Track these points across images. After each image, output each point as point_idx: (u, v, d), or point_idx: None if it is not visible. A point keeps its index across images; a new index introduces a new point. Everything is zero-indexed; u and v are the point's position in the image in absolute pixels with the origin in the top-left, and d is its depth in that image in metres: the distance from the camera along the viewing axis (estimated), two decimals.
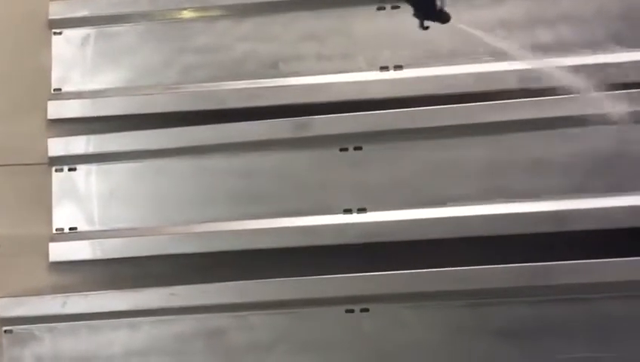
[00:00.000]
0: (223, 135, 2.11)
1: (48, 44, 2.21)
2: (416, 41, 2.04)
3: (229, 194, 2.11)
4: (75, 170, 2.16)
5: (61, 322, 2.08)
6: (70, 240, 2.14)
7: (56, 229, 2.15)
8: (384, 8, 2.12)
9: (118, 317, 2.07)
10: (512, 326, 1.97)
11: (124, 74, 2.18)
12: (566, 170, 2.01)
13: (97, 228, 2.14)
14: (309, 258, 2.06)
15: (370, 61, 2.11)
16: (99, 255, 2.12)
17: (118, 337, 2.07)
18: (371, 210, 2.06)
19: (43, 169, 2.17)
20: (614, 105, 1.95)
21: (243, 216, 2.09)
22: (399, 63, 2.10)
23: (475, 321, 1.98)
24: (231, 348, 2.05)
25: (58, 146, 2.17)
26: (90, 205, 2.15)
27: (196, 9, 2.18)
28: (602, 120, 1.93)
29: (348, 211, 2.07)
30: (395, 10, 2.11)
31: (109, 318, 2.07)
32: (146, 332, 2.07)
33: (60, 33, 2.22)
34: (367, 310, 2.02)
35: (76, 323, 2.08)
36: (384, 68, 2.11)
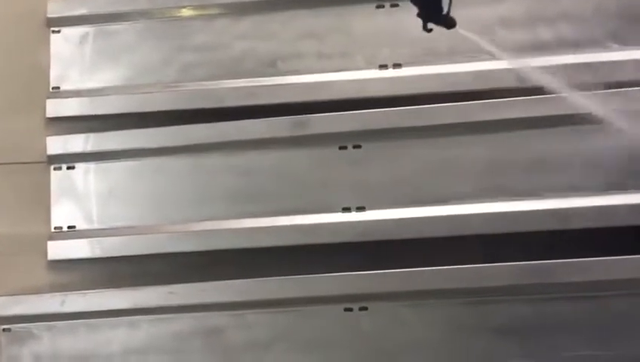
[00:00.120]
0: (222, 133, 2.13)
1: (47, 43, 2.23)
2: (416, 40, 2.05)
3: (228, 192, 2.12)
4: (73, 168, 2.18)
5: (60, 321, 2.09)
6: (69, 239, 2.15)
7: (55, 228, 2.16)
8: (383, 6, 2.13)
9: (117, 316, 2.08)
10: (512, 325, 1.98)
11: (122, 72, 2.19)
12: (566, 168, 2.03)
13: (96, 226, 2.15)
14: (308, 256, 2.07)
15: (369, 59, 2.12)
16: (97, 253, 2.14)
17: (117, 336, 2.08)
18: (370, 209, 2.07)
19: (41, 167, 2.19)
20: (611, 103, 1.96)
21: (242, 215, 2.11)
22: (398, 62, 2.11)
23: (475, 319, 2.00)
24: (229, 347, 2.06)
25: (57, 145, 2.18)
26: (88, 203, 2.16)
27: (195, 7, 2.20)
28: (600, 118, 1.94)
29: (347, 210, 2.08)
30: (394, 9, 2.12)
31: (107, 317, 2.08)
32: (144, 330, 2.08)
33: (59, 31, 2.23)
34: (365, 308, 2.03)
35: (75, 321, 2.09)
36: (383, 66, 2.12)
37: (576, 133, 2.01)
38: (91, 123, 2.20)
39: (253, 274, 2.06)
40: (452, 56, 2.06)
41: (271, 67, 2.15)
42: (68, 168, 2.17)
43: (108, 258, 2.13)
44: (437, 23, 1.69)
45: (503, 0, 2.09)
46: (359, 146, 2.10)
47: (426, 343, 2.01)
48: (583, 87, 1.99)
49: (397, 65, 2.11)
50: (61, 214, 2.16)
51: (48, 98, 2.20)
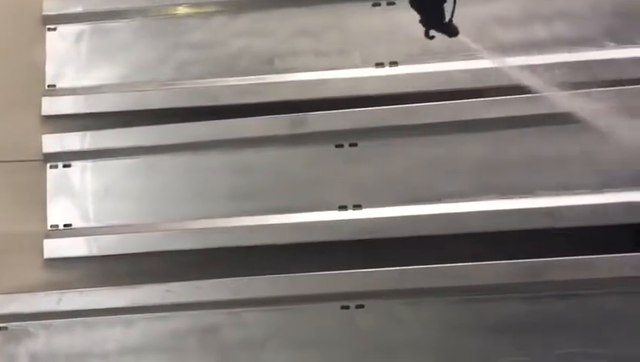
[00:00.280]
0: (218, 131, 2.14)
1: (42, 40, 2.24)
2: (412, 38, 2.07)
3: (224, 190, 2.14)
4: (69, 166, 2.19)
5: (56, 319, 2.11)
6: (65, 237, 2.17)
7: (51, 226, 2.18)
8: (379, 5, 2.16)
9: (114, 314, 2.10)
10: (507, 322, 2.01)
11: (118, 70, 2.21)
12: (560, 167, 2.05)
13: (92, 224, 2.17)
14: (305, 254, 2.10)
15: (366, 57, 2.14)
16: (94, 251, 2.16)
17: (114, 334, 2.10)
18: (366, 207, 2.10)
19: (37, 165, 2.20)
20: (605, 101, 1.99)
21: (238, 213, 2.13)
22: (395, 60, 2.13)
23: (470, 317, 2.02)
24: (226, 345, 2.08)
25: (52, 142, 2.20)
26: (84, 201, 2.18)
27: (191, 5, 2.22)
28: (594, 116, 1.96)
29: (343, 208, 2.11)
30: (390, 7, 2.15)
31: (104, 315, 2.10)
32: (141, 328, 2.10)
33: (55, 29, 2.25)
34: (362, 306, 2.05)
35: (71, 319, 2.11)
36: (380, 64, 2.14)
37: (570, 131, 2.03)
38: (87, 121, 2.21)
39: (249, 272, 2.08)
40: (448, 54, 2.09)
41: (267, 65, 2.17)
42: (64, 166, 2.19)
43: (104, 256, 2.15)
44: (439, 30, 1.70)
45: None
46: (355, 144, 2.12)
47: (422, 341, 2.03)
48: (579, 85, 2.02)
49: (393, 64, 2.14)
50: (57, 212, 2.18)
51: (44, 96, 2.22)
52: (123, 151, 2.17)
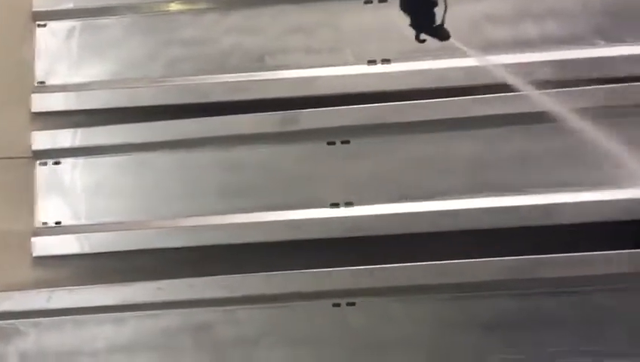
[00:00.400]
0: (210, 129, 2.15)
1: (32, 37, 2.24)
2: (404, 35, 2.06)
3: (216, 188, 2.15)
4: (59, 163, 2.20)
5: (46, 317, 2.11)
6: (54, 235, 2.18)
7: (41, 223, 2.18)
8: (371, 2, 2.17)
9: (104, 312, 2.11)
10: (499, 319, 2.03)
11: (109, 67, 2.21)
12: (551, 164, 2.07)
13: (82, 222, 2.18)
14: (297, 252, 2.11)
15: (358, 55, 2.16)
16: (84, 249, 2.16)
17: (104, 332, 2.11)
18: (358, 204, 2.11)
19: (27, 162, 2.20)
20: (595, 99, 2.01)
21: (230, 210, 2.14)
22: (387, 57, 2.15)
23: (462, 315, 2.04)
24: (218, 343, 2.09)
25: (42, 139, 2.20)
26: (74, 199, 2.18)
27: (183, 2, 2.22)
28: (583, 114, 1.98)
29: (335, 205, 2.12)
30: (382, 4, 2.16)
31: (94, 313, 2.11)
32: (132, 326, 2.11)
33: (45, 25, 2.25)
34: (353, 304, 2.07)
35: (61, 318, 2.11)
36: (372, 62, 2.15)
37: (561, 129, 2.04)
38: (77, 118, 2.22)
39: (241, 269, 2.10)
40: (441, 52, 2.10)
41: (259, 62, 2.18)
42: (54, 163, 2.19)
43: (95, 254, 2.16)
44: (430, 34, 1.72)
45: None
46: (347, 142, 2.13)
47: (413, 338, 2.05)
48: (569, 83, 2.04)
49: (386, 61, 2.15)
50: (47, 210, 2.18)
51: (33, 92, 2.22)
52: (114, 148, 2.17)
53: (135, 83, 2.19)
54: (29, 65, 2.23)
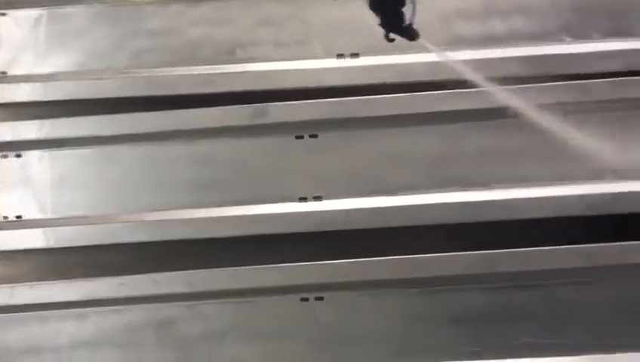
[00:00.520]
0: (177, 121, 2.14)
1: None
2: (373, 29, 2.08)
3: (183, 181, 2.14)
4: (21, 156, 2.16)
5: (8, 313, 2.07)
6: (15, 229, 2.14)
7: (2, 217, 2.14)
8: None
9: (67, 308, 2.08)
10: (467, 313, 2.06)
11: (73, 57, 2.18)
12: (516, 159, 2.10)
13: (45, 216, 2.14)
14: (264, 246, 2.11)
15: (327, 48, 2.16)
16: (47, 243, 2.13)
17: (67, 328, 2.08)
18: (327, 198, 2.12)
19: None
20: (561, 95, 2.05)
21: (197, 205, 2.12)
22: (356, 51, 2.16)
23: (431, 308, 2.06)
24: (183, 339, 2.08)
25: (4, 131, 2.16)
26: (38, 192, 2.15)
27: None
28: (549, 110, 2.02)
29: (303, 199, 2.12)
30: None
31: (57, 309, 2.08)
32: (95, 323, 2.08)
33: (5, 14, 2.21)
34: (321, 298, 2.07)
35: (23, 314, 2.08)
36: (340, 55, 2.16)
37: (526, 124, 2.08)
38: (40, 109, 2.18)
39: (208, 264, 2.09)
40: (409, 46, 2.11)
41: (227, 54, 2.17)
42: (16, 156, 2.15)
43: (58, 249, 2.13)
44: (399, 33, 1.74)
45: None
46: (316, 136, 2.14)
47: (382, 332, 2.06)
48: (536, 79, 2.08)
49: (354, 55, 2.16)
50: (8, 203, 2.14)
51: None
52: (78, 140, 2.14)
53: (101, 74, 2.17)
54: None
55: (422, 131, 2.12)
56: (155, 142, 2.14)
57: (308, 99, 2.13)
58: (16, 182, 2.15)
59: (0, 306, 2.07)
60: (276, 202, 2.12)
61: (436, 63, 2.10)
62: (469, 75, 2.01)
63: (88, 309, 2.08)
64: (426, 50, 2.06)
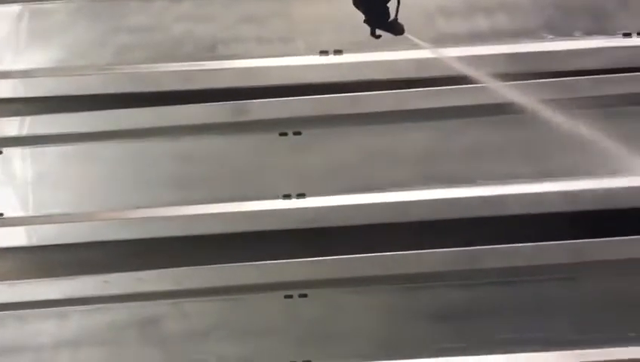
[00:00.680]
0: (159, 118, 2.14)
1: None
2: (357, 26, 2.08)
3: (166, 179, 2.14)
4: (2, 153, 2.14)
5: None
6: None
7: None
8: None
9: (49, 307, 2.08)
10: (449, 309, 2.08)
11: (55, 53, 2.17)
12: (502, 156, 2.13)
13: (26, 213, 2.13)
14: (248, 244, 2.12)
15: (310, 45, 2.17)
16: (28, 242, 2.12)
17: (49, 327, 2.08)
18: (310, 196, 2.13)
19: None
20: (543, 92, 2.08)
21: (180, 202, 2.13)
22: (339, 48, 2.17)
23: (414, 305, 2.09)
24: (167, 337, 2.09)
25: None
26: (19, 190, 2.14)
27: None
28: (537, 107, 2.05)
29: (287, 196, 2.13)
30: None
31: (38, 308, 2.08)
32: (77, 321, 2.08)
33: None
34: (305, 295, 2.09)
35: (3, 312, 2.07)
36: (324, 52, 2.18)
37: (511, 121, 2.11)
38: (19, 106, 2.17)
39: (192, 262, 2.09)
40: (393, 43, 2.13)
41: (210, 51, 2.18)
42: None
43: (40, 246, 2.12)
44: (384, 29, 1.75)
45: None
46: (299, 133, 2.15)
47: (366, 329, 2.08)
48: (518, 76, 2.11)
49: (338, 52, 2.17)
50: None
51: None
52: (60, 137, 2.13)
53: (83, 70, 2.17)
54: None
55: (406, 128, 2.14)
56: (137, 139, 2.14)
57: (291, 96, 2.14)
58: None
59: None
60: (260, 199, 2.13)
61: (420, 60, 2.13)
62: (457, 69, 2.03)
63: (71, 308, 2.08)
64: (410, 46, 2.10)
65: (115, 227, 2.12)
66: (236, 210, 2.12)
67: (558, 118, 2.03)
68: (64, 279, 2.08)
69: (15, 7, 2.18)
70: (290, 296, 2.09)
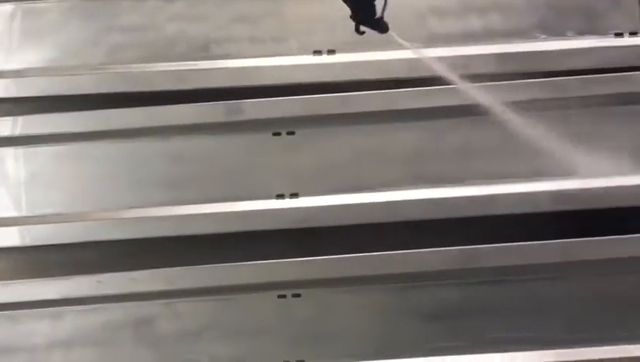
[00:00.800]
0: (153, 118, 2.14)
1: None
2: (350, 26, 2.10)
3: (159, 179, 2.15)
4: None
5: None
6: None
7: None
8: None
9: (42, 307, 2.08)
10: (442, 309, 2.09)
11: (47, 53, 2.18)
12: (491, 156, 2.14)
13: (20, 213, 2.14)
14: (241, 243, 2.13)
15: (303, 45, 2.18)
16: (21, 242, 2.13)
17: (42, 327, 2.08)
18: (304, 195, 2.14)
19: None
20: (535, 92, 2.10)
21: (173, 202, 2.14)
22: (332, 48, 2.18)
23: (407, 304, 2.10)
24: (160, 337, 2.09)
25: None
26: (12, 190, 2.14)
27: None
28: (526, 107, 2.07)
29: (280, 196, 2.14)
30: None
31: (32, 308, 2.08)
32: (71, 322, 2.09)
33: None
34: (299, 295, 2.10)
35: None
36: (317, 52, 2.19)
37: (501, 121, 2.12)
38: (11, 105, 2.17)
39: (185, 262, 2.10)
40: (386, 43, 2.14)
41: (203, 51, 2.18)
42: None
43: (34, 246, 2.13)
44: (369, 26, 1.76)
45: None
46: (293, 133, 2.16)
47: (359, 329, 2.10)
48: (510, 76, 2.12)
49: (331, 52, 2.18)
50: None
51: None
52: (53, 137, 2.13)
53: (75, 70, 2.17)
54: None
55: (399, 128, 2.15)
56: (130, 139, 2.14)
57: (284, 95, 2.15)
58: None
59: None
60: (253, 199, 2.14)
61: (413, 60, 2.13)
62: (442, 71, 2.04)
63: (65, 308, 2.08)
64: (403, 46, 2.11)
65: (108, 227, 2.13)
66: (229, 210, 2.13)
67: (546, 118, 2.05)
68: (57, 279, 2.09)
69: (7, 7, 2.19)
70: (284, 296, 2.10)
